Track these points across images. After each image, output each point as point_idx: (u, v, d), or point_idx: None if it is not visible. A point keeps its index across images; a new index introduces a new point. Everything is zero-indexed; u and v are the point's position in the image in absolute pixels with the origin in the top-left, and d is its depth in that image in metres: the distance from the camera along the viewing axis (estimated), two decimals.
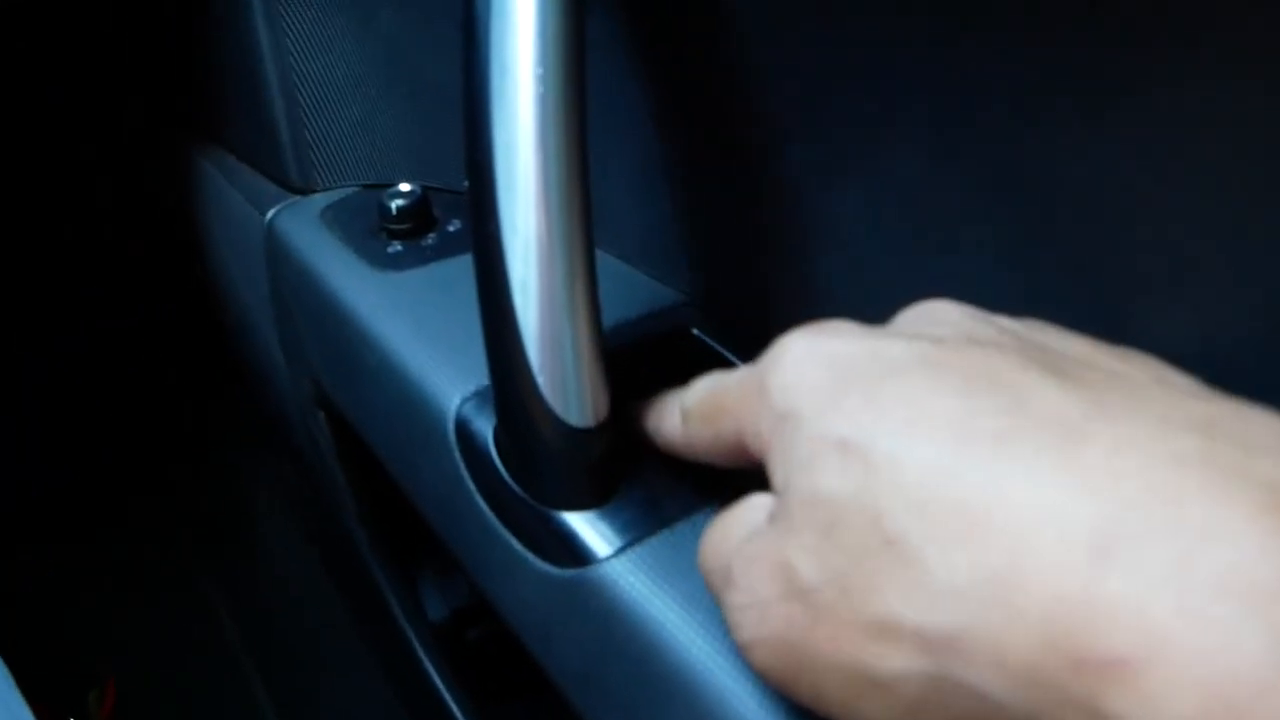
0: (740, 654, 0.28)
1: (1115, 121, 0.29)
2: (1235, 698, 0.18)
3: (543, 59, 0.34)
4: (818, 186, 0.39)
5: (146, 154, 1.00)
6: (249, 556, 1.14)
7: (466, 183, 0.37)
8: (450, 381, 0.44)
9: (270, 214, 0.62)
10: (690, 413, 0.35)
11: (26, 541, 1.18)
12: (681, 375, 0.37)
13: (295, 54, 0.59)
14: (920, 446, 0.23)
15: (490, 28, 0.34)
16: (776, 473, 0.27)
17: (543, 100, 0.34)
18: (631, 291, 0.48)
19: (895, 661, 0.23)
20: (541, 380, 0.36)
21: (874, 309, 0.31)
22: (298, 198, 0.63)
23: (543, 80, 0.34)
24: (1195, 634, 0.18)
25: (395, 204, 0.55)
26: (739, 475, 0.32)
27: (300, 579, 1.04)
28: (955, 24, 0.31)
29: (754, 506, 0.30)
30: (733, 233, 0.44)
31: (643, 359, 0.44)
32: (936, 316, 0.29)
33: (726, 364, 0.44)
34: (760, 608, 0.26)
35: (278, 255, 0.61)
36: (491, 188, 0.35)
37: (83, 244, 1.19)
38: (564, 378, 0.36)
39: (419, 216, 0.55)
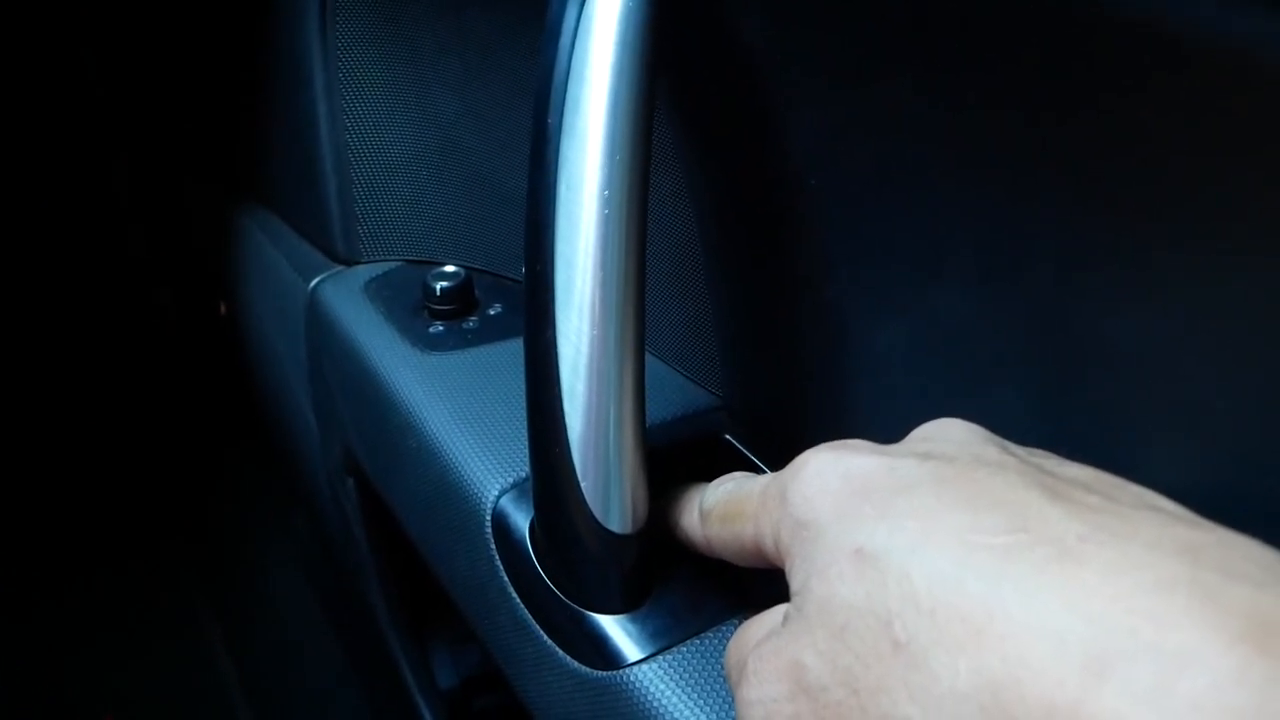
0: None
1: (1151, 291, 0.30)
2: None
3: (609, 181, 0.35)
4: (860, 316, 0.40)
5: (186, 205, 1.02)
6: (254, 607, 1.15)
7: (525, 289, 0.38)
8: (489, 472, 0.45)
9: (314, 282, 0.63)
10: (710, 513, 0.36)
11: (34, 582, 1.19)
12: (711, 479, 0.38)
13: (352, 131, 0.60)
14: (930, 558, 0.25)
15: (560, 146, 0.36)
16: (795, 577, 0.29)
17: (606, 220, 0.35)
18: (666, 391, 0.50)
19: None
20: (585, 485, 0.37)
21: (902, 434, 0.33)
22: (341, 268, 0.64)
23: (608, 201, 0.35)
24: None
25: (440, 285, 0.56)
26: (768, 588, 0.34)
27: (303, 632, 1.05)
28: (1011, 189, 0.32)
29: (777, 611, 0.31)
30: (771, 347, 0.45)
31: (674, 461, 0.45)
32: (948, 434, 0.31)
33: (755, 470, 0.45)
34: (768, 704, 0.28)
35: (319, 323, 0.62)
36: (550, 297, 0.36)
37: (108, 287, 1.21)
38: (606, 485, 0.37)
39: (461, 299, 0.57)
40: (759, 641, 0.30)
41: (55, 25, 1.08)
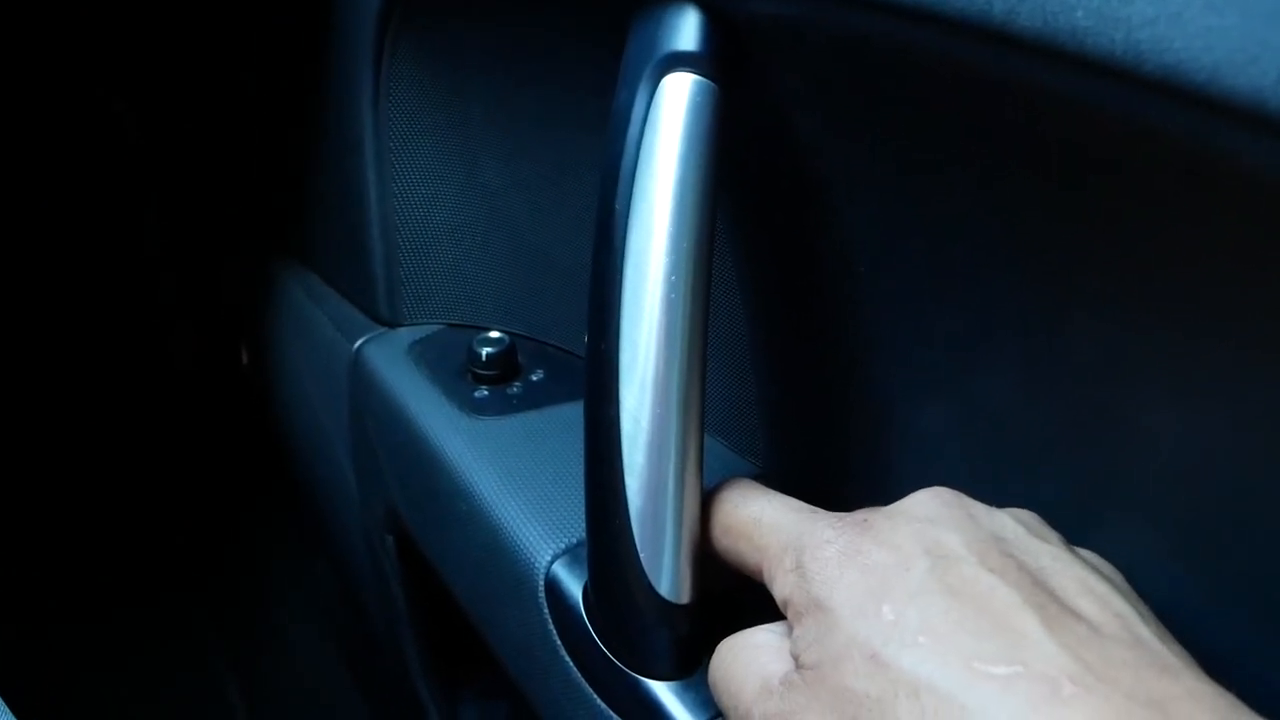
0: None
1: (1191, 391, 0.32)
2: None
3: (675, 266, 0.37)
4: (903, 395, 0.42)
5: (218, 255, 1.04)
6: (270, 653, 1.15)
7: (586, 364, 0.40)
8: (541, 537, 0.46)
9: (358, 343, 0.65)
10: (717, 521, 0.39)
11: (47, 620, 1.19)
12: None
13: (399, 198, 0.62)
14: (937, 676, 0.28)
15: (628, 230, 0.37)
16: (805, 650, 0.32)
17: (672, 304, 0.37)
18: (707, 460, 0.51)
19: None
20: (643, 556, 0.38)
21: None
22: (384, 329, 0.66)
23: (674, 286, 0.37)
24: None
25: (485, 351, 0.58)
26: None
27: (320, 681, 1.06)
28: (1055, 287, 0.34)
29: (772, 638, 0.35)
30: (815, 422, 0.47)
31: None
32: (946, 500, 0.34)
33: None
34: None
35: (363, 384, 0.64)
36: (614, 374, 0.38)
37: (134, 328, 1.23)
38: (664, 556, 0.39)
39: (505, 364, 0.59)
40: (759, 697, 0.33)
41: (92, 77, 1.11)
